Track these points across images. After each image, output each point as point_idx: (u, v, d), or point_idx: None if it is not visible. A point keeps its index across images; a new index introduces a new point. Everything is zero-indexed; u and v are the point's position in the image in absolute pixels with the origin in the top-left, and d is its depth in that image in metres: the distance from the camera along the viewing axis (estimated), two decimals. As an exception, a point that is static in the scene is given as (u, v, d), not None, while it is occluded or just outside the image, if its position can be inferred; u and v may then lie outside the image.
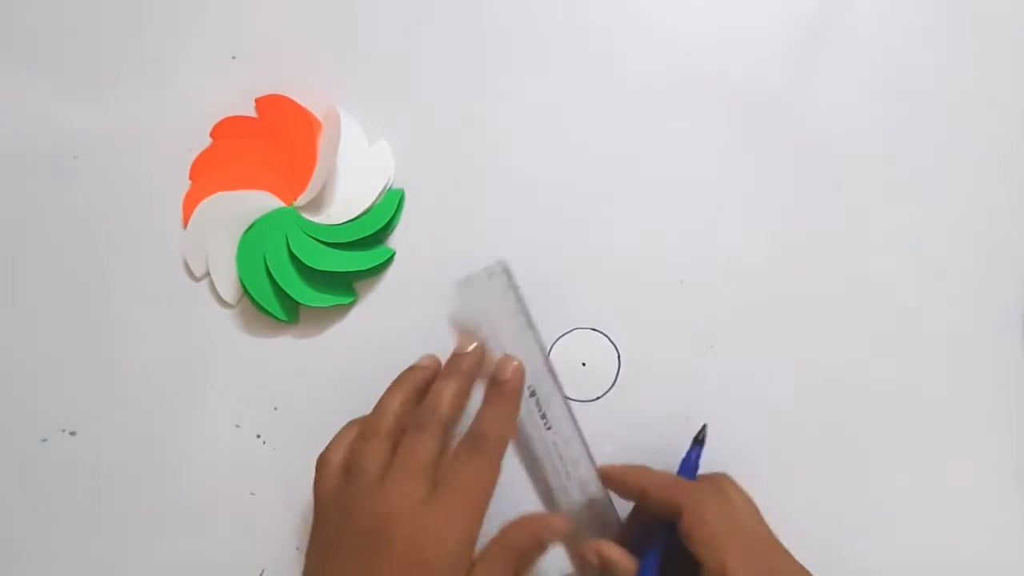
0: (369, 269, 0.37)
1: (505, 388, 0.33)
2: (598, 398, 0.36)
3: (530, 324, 0.35)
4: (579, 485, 0.34)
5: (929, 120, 0.38)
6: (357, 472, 0.31)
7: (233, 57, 0.40)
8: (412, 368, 0.34)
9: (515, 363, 0.33)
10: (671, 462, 0.34)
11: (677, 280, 0.37)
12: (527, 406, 0.35)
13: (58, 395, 0.37)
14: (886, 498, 0.35)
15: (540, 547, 0.32)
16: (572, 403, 0.35)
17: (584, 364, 0.36)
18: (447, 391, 0.32)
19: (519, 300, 0.34)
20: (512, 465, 0.35)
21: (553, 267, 0.37)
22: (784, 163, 0.38)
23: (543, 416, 0.35)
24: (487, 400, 0.33)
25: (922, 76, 0.38)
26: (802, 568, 0.30)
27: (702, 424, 0.34)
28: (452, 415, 0.32)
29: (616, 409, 0.36)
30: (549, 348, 0.36)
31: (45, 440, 0.37)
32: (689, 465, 0.33)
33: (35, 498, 0.36)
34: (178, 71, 0.40)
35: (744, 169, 0.38)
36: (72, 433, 0.37)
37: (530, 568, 0.32)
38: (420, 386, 0.33)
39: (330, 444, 0.33)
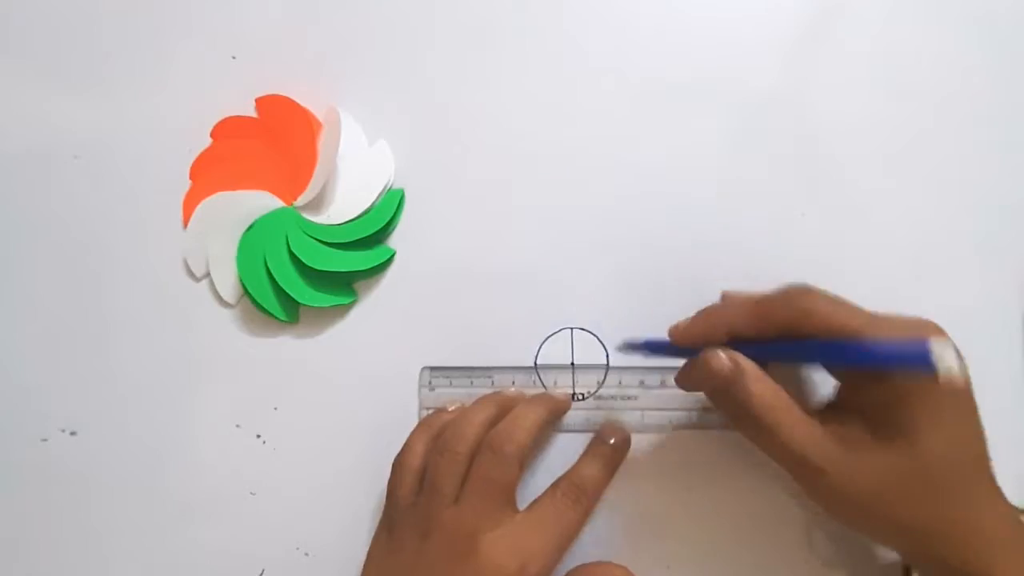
0: (369, 269, 0.37)
1: (607, 450, 0.33)
2: (587, 396, 0.36)
3: (487, 373, 0.36)
4: (644, 392, 0.35)
5: (929, 120, 0.38)
6: (433, 490, 0.31)
7: (233, 57, 0.40)
8: (498, 392, 0.35)
9: (622, 432, 0.34)
10: (664, 460, 0.34)
11: (674, 280, 0.37)
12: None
13: (58, 395, 0.37)
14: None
15: None
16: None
17: (573, 363, 0.36)
18: (529, 416, 0.32)
19: (465, 371, 0.36)
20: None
21: (548, 266, 0.37)
22: (784, 163, 0.38)
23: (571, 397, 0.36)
24: (590, 453, 0.34)
25: (922, 76, 0.38)
26: None
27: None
28: (528, 441, 0.32)
29: (605, 407, 0.36)
30: (538, 348, 0.36)
31: (45, 440, 0.37)
32: None
33: (35, 498, 0.36)
34: (178, 71, 0.40)
35: (743, 169, 0.38)
36: (72, 433, 0.37)
37: None
38: (506, 408, 0.33)
39: (405, 447, 0.33)
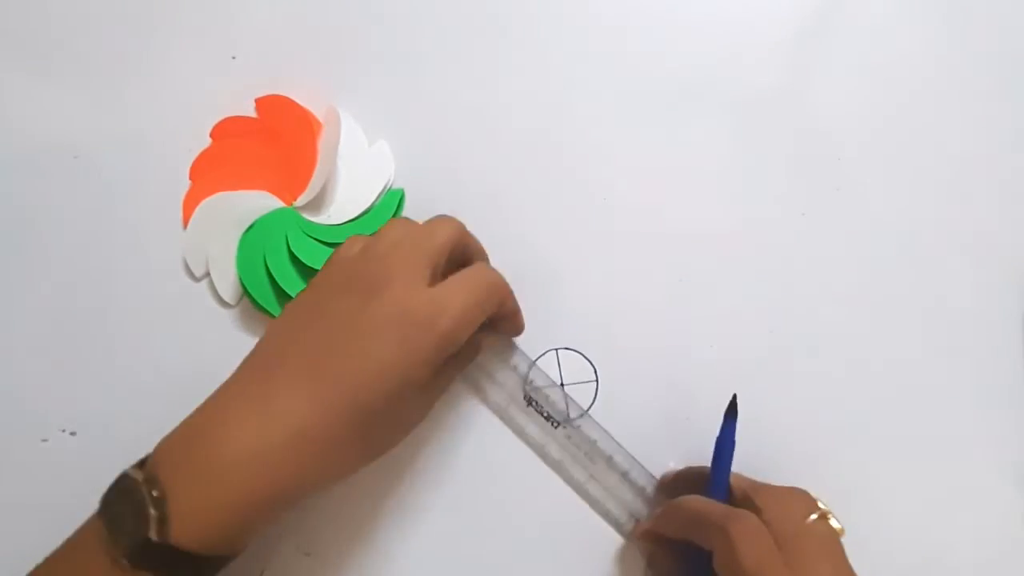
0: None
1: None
2: (578, 417, 0.36)
3: (507, 344, 0.36)
4: (605, 464, 0.35)
5: (929, 120, 0.38)
6: (372, 244, 0.30)
7: (233, 57, 0.40)
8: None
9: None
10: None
11: (676, 280, 0.37)
12: (529, 416, 0.35)
13: (58, 395, 0.37)
14: (885, 498, 0.35)
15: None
16: (536, 405, 0.35)
17: (562, 385, 0.36)
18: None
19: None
20: (537, 472, 0.35)
21: (548, 266, 0.37)
22: (784, 163, 0.38)
23: (547, 417, 0.35)
24: None
25: (922, 76, 0.38)
26: None
27: (732, 394, 0.32)
28: (467, 238, 0.32)
29: (597, 428, 0.35)
30: (527, 370, 0.36)
31: (45, 440, 0.37)
32: (724, 449, 0.32)
33: (35, 498, 0.36)
34: (178, 71, 0.40)
35: (743, 169, 0.38)
36: (72, 433, 0.37)
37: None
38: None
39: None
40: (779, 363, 0.36)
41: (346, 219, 0.37)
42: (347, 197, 0.38)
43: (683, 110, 0.38)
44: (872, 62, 0.39)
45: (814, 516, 0.30)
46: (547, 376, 0.36)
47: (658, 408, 0.36)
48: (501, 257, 0.37)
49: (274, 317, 0.36)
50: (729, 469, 0.32)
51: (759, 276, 0.37)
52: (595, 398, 0.35)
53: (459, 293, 0.29)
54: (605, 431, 0.35)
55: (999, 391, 0.36)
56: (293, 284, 0.36)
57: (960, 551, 0.35)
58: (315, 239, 0.37)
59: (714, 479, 0.32)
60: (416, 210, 0.38)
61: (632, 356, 0.36)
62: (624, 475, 0.35)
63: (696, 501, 0.30)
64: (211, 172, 0.38)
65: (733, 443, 0.32)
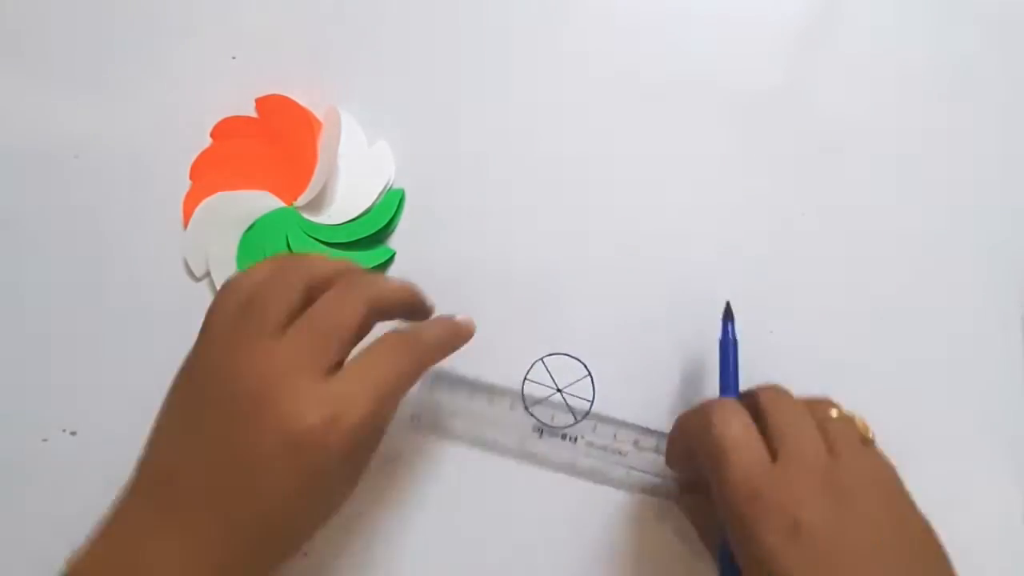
0: (369, 269, 0.37)
1: (454, 324, 0.30)
2: (574, 424, 0.35)
3: (489, 391, 0.35)
4: (634, 447, 0.34)
5: (929, 119, 0.38)
6: (258, 312, 0.25)
7: (233, 57, 0.40)
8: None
9: (471, 323, 0.30)
10: (654, 480, 0.34)
11: (674, 278, 0.37)
12: (546, 443, 0.35)
13: (58, 395, 0.37)
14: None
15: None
16: (548, 429, 0.35)
17: (559, 390, 0.36)
18: (394, 280, 0.29)
19: (468, 383, 0.35)
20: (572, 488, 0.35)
21: (548, 266, 0.37)
22: (784, 163, 0.38)
23: (564, 436, 0.35)
24: (436, 320, 0.30)
25: (922, 75, 0.38)
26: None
27: (725, 302, 0.32)
28: (384, 294, 0.28)
29: (611, 421, 0.35)
30: (523, 377, 0.36)
31: (45, 440, 0.37)
32: (727, 350, 0.31)
33: (35, 498, 0.36)
34: (178, 71, 0.40)
35: (743, 170, 0.38)
36: (72, 433, 0.37)
37: None
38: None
39: (247, 270, 0.28)
40: (778, 364, 0.36)
41: (346, 219, 0.37)
42: (347, 197, 0.38)
43: (683, 110, 0.38)
44: (873, 62, 0.39)
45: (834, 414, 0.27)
46: (544, 387, 0.35)
47: (661, 389, 0.35)
48: (501, 256, 0.37)
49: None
50: (736, 369, 0.31)
51: (758, 276, 0.37)
52: (594, 393, 0.35)
53: (364, 384, 0.25)
54: (620, 420, 0.35)
55: (999, 391, 0.36)
56: (293, 284, 0.36)
57: (959, 552, 0.34)
58: (315, 239, 0.37)
59: (723, 383, 0.31)
60: (416, 210, 0.38)
61: (632, 358, 0.36)
62: (655, 449, 0.34)
63: (687, 412, 0.29)
64: (211, 172, 0.38)
65: (736, 343, 0.31)
